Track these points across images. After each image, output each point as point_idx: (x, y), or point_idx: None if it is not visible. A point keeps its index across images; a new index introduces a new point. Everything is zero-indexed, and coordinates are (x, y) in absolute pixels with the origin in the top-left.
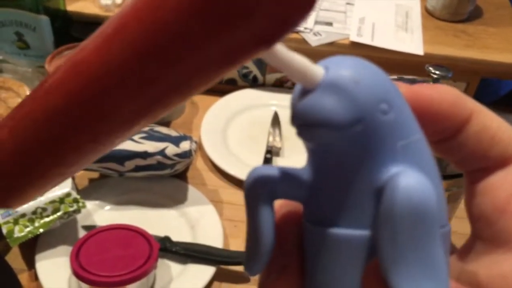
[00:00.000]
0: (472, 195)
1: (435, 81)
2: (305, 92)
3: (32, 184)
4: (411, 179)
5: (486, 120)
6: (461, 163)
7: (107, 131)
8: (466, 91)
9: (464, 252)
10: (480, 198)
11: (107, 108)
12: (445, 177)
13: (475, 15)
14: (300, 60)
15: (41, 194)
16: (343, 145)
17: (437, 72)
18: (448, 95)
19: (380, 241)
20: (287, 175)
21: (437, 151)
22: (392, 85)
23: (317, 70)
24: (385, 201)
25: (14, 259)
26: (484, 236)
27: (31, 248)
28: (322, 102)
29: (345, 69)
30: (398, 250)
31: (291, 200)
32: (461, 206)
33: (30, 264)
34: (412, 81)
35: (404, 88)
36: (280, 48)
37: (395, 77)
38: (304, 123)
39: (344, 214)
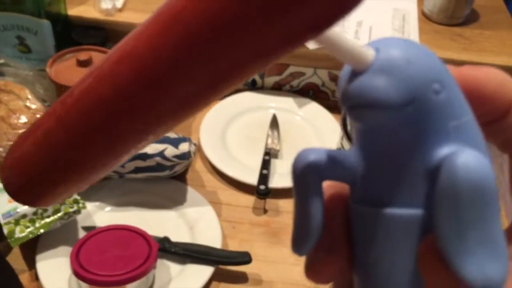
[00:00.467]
0: None
1: None
2: (355, 73)
3: (75, 177)
4: (470, 157)
5: None
6: (505, 145)
7: (157, 119)
8: None
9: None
10: None
11: (158, 96)
12: None
13: (471, 18)
14: (351, 42)
15: (80, 190)
16: (395, 126)
17: None
18: (494, 77)
19: (439, 220)
20: (335, 157)
21: (483, 133)
22: (443, 65)
23: (368, 51)
24: (444, 179)
25: (15, 259)
26: None
27: (32, 248)
28: (374, 83)
29: (396, 49)
30: (460, 229)
31: (339, 181)
32: None
33: (31, 264)
34: None
35: (452, 69)
36: (332, 31)
37: None
38: (357, 104)
39: (396, 194)
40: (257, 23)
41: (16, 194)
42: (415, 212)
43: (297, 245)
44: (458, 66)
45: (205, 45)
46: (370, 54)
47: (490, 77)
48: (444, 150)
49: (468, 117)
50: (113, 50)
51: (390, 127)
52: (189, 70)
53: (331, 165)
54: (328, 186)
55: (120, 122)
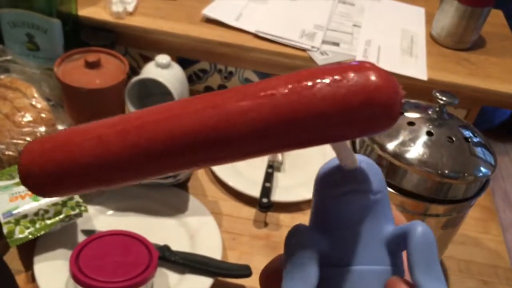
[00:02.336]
0: None
1: (441, 106)
2: (344, 169)
3: (95, 185)
4: (424, 226)
5: None
6: None
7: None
8: (466, 118)
9: None
10: None
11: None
12: (446, 202)
13: (478, 44)
14: (348, 147)
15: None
16: (370, 205)
17: (444, 98)
18: None
19: (416, 261)
20: (314, 233)
21: None
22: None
23: (355, 155)
24: (417, 236)
25: (12, 259)
26: None
27: (30, 249)
28: (365, 176)
29: (367, 159)
30: (429, 265)
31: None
32: (459, 231)
33: (28, 265)
34: (416, 105)
35: None
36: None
37: None
38: (352, 190)
39: (363, 255)
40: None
41: (28, 180)
42: (382, 267)
43: None
44: None
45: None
46: (356, 157)
47: None
48: (390, 227)
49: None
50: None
51: (367, 205)
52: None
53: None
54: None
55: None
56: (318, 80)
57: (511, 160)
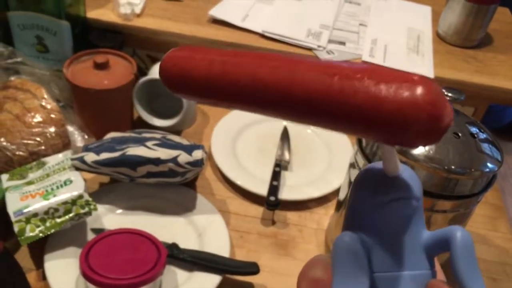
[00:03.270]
0: None
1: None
2: (386, 175)
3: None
4: (464, 231)
5: None
6: None
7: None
8: (474, 115)
9: None
10: None
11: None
12: (453, 197)
13: (485, 42)
14: (396, 154)
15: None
16: (411, 212)
17: (450, 95)
18: None
19: (461, 266)
20: (361, 244)
21: None
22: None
23: (399, 163)
24: (459, 245)
25: (23, 257)
26: None
27: (40, 247)
28: (410, 184)
29: (408, 167)
30: (473, 270)
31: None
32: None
33: (39, 263)
34: None
35: None
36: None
37: None
38: (401, 196)
39: (406, 261)
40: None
41: (162, 75)
42: (424, 272)
43: None
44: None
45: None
46: (400, 165)
47: None
48: (427, 233)
49: None
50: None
51: (409, 212)
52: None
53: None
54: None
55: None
56: (370, 77)
57: None
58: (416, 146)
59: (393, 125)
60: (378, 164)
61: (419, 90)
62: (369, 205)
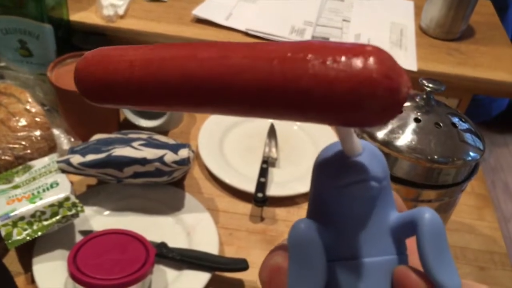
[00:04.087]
0: None
1: (429, 94)
2: (346, 156)
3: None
4: (432, 213)
5: None
6: None
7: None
8: (458, 107)
9: None
10: None
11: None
12: (437, 187)
13: (467, 34)
14: (353, 133)
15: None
16: (375, 193)
17: (430, 85)
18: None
19: (426, 251)
20: (322, 232)
21: None
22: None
23: (359, 141)
24: (426, 224)
25: (11, 262)
26: None
27: (28, 251)
28: (370, 164)
29: (372, 146)
30: (440, 255)
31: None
32: (454, 218)
33: (27, 267)
34: None
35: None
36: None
37: None
38: (358, 180)
39: (369, 246)
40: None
41: (79, 84)
42: (389, 257)
43: None
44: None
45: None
46: (360, 143)
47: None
48: (395, 214)
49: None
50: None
51: (372, 194)
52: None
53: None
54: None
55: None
56: (314, 55)
57: (510, 151)
58: (376, 125)
59: (348, 107)
60: (337, 145)
61: (371, 64)
62: (329, 189)
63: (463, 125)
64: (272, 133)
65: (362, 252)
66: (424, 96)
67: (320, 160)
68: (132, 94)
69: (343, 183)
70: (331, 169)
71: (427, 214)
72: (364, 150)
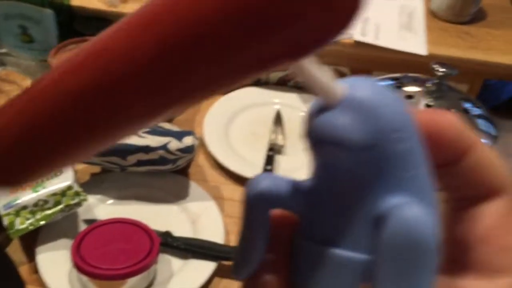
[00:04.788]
0: (457, 220)
1: (440, 79)
2: (324, 108)
3: (35, 167)
4: (416, 213)
5: (483, 154)
6: (452, 189)
7: (122, 121)
8: (469, 91)
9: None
10: (464, 224)
11: (124, 99)
12: None
13: (478, 17)
14: (325, 75)
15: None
16: (353, 167)
17: (442, 70)
18: (455, 124)
19: (377, 268)
20: (289, 187)
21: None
22: (408, 115)
23: (341, 87)
24: (389, 230)
25: (15, 251)
26: (459, 261)
27: (32, 240)
28: (341, 121)
29: (368, 91)
30: (395, 280)
31: (289, 211)
32: None
33: (31, 256)
34: (415, 79)
35: (417, 112)
36: (308, 61)
37: (400, 75)
38: (320, 139)
39: (341, 234)
40: (235, 40)
41: None
42: (360, 256)
43: (237, 269)
44: (423, 110)
45: (180, 54)
46: (341, 90)
47: (451, 123)
48: (393, 200)
49: (421, 170)
50: (92, 43)
51: (348, 167)
52: (160, 78)
53: (282, 194)
54: (277, 214)
55: (81, 118)
56: None
57: None
58: (330, 37)
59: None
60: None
61: None
62: (311, 149)
63: (475, 111)
64: (278, 119)
65: (334, 238)
66: (436, 81)
67: (310, 108)
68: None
69: (308, 142)
70: (308, 122)
71: (402, 212)
72: (346, 100)
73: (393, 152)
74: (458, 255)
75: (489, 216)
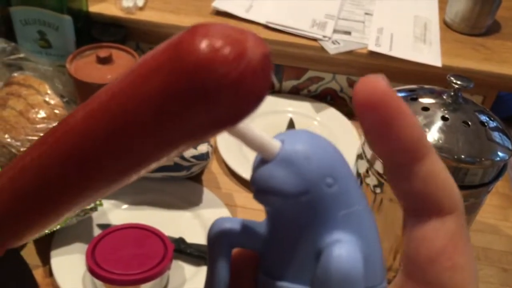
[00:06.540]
0: (409, 239)
1: (456, 91)
2: (263, 161)
3: (29, 227)
4: (344, 252)
5: (436, 166)
6: (403, 197)
7: (93, 185)
8: (483, 103)
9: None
10: (416, 243)
11: (92, 166)
12: (463, 187)
13: (493, 29)
14: (259, 134)
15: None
16: (291, 211)
17: (459, 82)
18: (418, 125)
19: None
20: (246, 228)
21: (388, 178)
22: (340, 159)
23: (275, 144)
24: (320, 266)
25: (29, 254)
26: (414, 278)
27: (46, 244)
28: (275, 173)
29: (298, 144)
30: None
31: (250, 250)
32: (478, 219)
33: (45, 260)
34: (431, 91)
35: (396, 100)
36: (241, 125)
37: (415, 86)
38: (259, 189)
39: (290, 269)
40: (167, 118)
41: None
42: (302, 287)
43: None
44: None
45: (124, 132)
46: (276, 146)
47: (415, 123)
48: (329, 238)
49: (358, 207)
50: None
51: (287, 211)
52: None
53: (241, 234)
54: (239, 253)
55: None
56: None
57: None
58: (246, 112)
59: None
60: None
61: (179, 61)
62: (254, 195)
63: (491, 124)
64: (291, 128)
65: (282, 273)
66: (452, 94)
67: (254, 161)
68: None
69: (253, 190)
70: (252, 173)
71: (334, 251)
72: (280, 154)
73: (325, 195)
74: (413, 272)
75: (440, 235)
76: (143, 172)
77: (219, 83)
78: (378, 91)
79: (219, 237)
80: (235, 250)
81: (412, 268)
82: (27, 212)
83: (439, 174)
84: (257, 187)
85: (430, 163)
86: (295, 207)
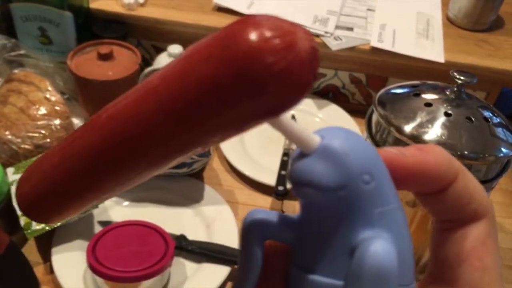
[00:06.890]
0: (441, 240)
1: (459, 86)
2: (303, 155)
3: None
4: (380, 248)
5: (467, 181)
6: (439, 213)
7: (134, 170)
8: (486, 100)
9: None
10: (448, 245)
11: (134, 152)
12: None
13: (496, 25)
14: (300, 128)
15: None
16: (327, 205)
17: (462, 78)
18: (443, 156)
19: None
20: (279, 220)
21: (420, 202)
22: (377, 158)
23: (314, 138)
24: (355, 261)
25: (30, 251)
26: (443, 278)
27: (47, 241)
28: (314, 167)
29: (337, 140)
30: None
31: (281, 242)
32: None
33: (46, 257)
34: (434, 86)
35: (399, 157)
36: (284, 117)
37: (418, 82)
38: (298, 182)
39: (322, 263)
40: (216, 107)
41: (27, 209)
42: (335, 282)
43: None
44: (412, 149)
45: (172, 120)
46: (316, 140)
47: (438, 158)
48: (365, 233)
49: (392, 206)
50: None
51: (323, 205)
52: (157, 138)
53: (275, 226)
54: (271, 245)
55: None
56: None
57: None
58: (294, 99)
59: (245, 105)
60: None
61: (242, 46)
62: (292, 188)
63: (495, 120)
64: None
65: (315, 267)
66: (455, 89)
67: (292, 155)
68: (69, 190)
69: (291, 184)
70: (290, 167)
71: (371, 247)
72: (319, 149)
73: (362, 192)
74: (441, 273)
75: (472, 238)
76: (183, 158)
77: (267, 72)
78: (387, 161)
79: (252, 228)
80: (267, 242)
81: (441, 270)
82: (74, 190)
83: (470, 186)
84: (295, 180)
85: (461, 180)
86: (332, 202)
